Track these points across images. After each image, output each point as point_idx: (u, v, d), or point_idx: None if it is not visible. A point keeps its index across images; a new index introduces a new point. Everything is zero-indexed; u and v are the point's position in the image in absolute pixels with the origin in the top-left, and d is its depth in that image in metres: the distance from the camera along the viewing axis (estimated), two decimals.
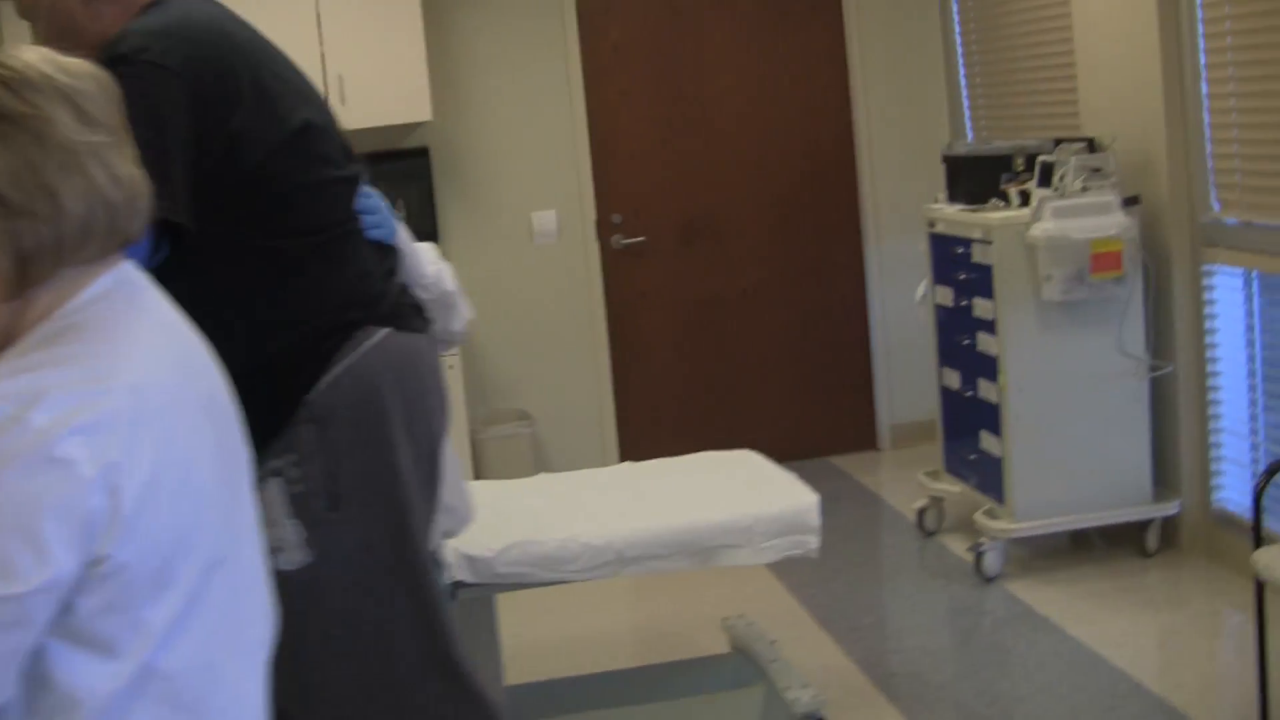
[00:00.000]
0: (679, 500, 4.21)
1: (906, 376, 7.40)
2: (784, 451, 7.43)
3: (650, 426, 7.46)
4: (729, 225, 7.41)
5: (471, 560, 3.98)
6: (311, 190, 2.74)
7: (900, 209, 7.20)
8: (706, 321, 7.45)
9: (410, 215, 6.97)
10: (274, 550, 2.59)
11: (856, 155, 7.44)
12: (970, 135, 7.25)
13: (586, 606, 5.66)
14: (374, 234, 2.89)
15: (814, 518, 4.02)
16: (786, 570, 5.66)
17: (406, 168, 7.05)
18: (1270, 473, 4.14)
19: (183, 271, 2.42)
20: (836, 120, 7.43)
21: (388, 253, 2.94)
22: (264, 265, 2.69)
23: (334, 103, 6.52)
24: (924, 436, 6.92)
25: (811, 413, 7.57)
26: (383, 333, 2.77)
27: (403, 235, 3.06)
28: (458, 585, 4.00)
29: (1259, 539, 4.04)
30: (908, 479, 6.46)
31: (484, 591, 4.07)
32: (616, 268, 7.36)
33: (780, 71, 7.37)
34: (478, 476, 6.91)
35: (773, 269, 7.46)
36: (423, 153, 7.07)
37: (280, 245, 2.70)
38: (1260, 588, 4.01)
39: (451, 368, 6.62)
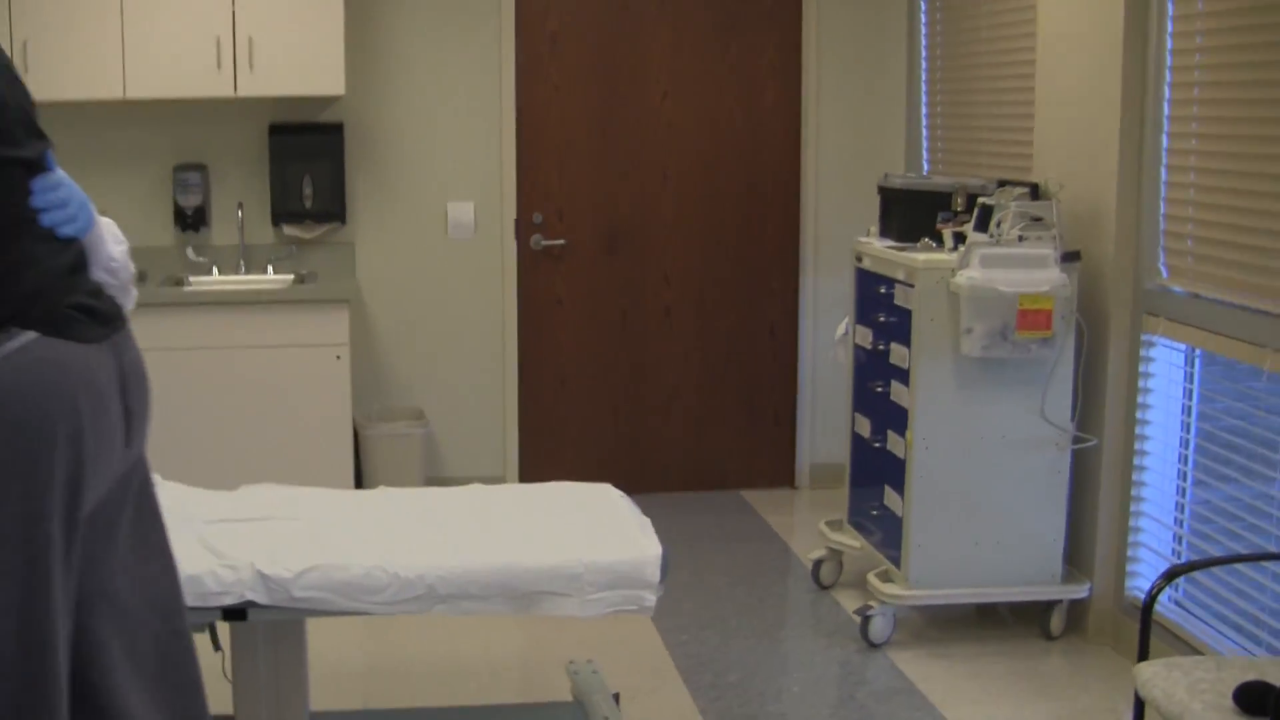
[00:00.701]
0: (514, 535, 3.80)
1: (833, 415, 6.98)
2: (695, 480, 7.13)
3: (555, 439, 7.06)
4: (656, 237, 7.01)
5: (266, 580, 3.58)
6: None
7: (843, 239, 6.75)
8: (624, 335, 7.05)
9: (318, 194, 6.59)
10: None
11: (801, 178, 7.03)
12: (926, 168, 6.83)
13: (433, 632, 5.23)
14: (65, 230, 2.47)
15: (653, 573, 3.62)
16: (660, 610, 5.23)
17: (317, 143, 6.63)
18: (1169, 577, 3.73)
19: None
20: (783, 139, 7.02)
21: (71, 248, 2.51)
22: None
23: (242, 68, 6.22)
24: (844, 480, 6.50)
25: (727, 443, 7.17)
26: (26, 337, 2.34)
27: (99, 223, 2.63)
28: (249, 606, 3.60)
29: (1145, 649, 3.62)
30: (818, 523, 6.02)
31: (280, 615, 3.65)
32: (533, 270, 6.95)
33: (727, 80, 6.96)
34: (360, 475, 6.51)
35: (699, 288, 7.06)
36: (337, 129, 6.65)
37: None
38: (1140, 704, 3.58)
39: (339, 358, 6.22)
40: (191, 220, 6.63)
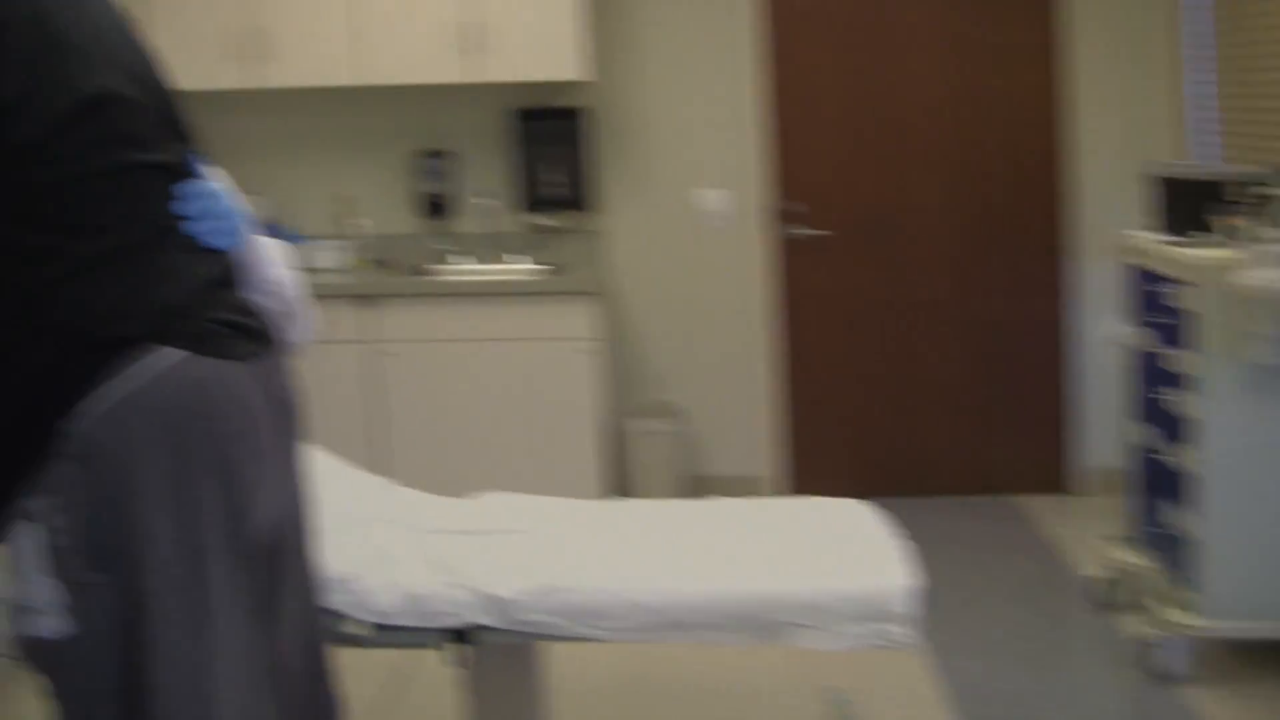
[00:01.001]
0: (755, 558, 3.52)
1: (1109, 417, 6.44)
2: (963, 484, 6.75)
3: (815, 437, 6.79)
4: (914, 228, 6.66)
5: (491, 601, 3.37)
6: (101, 178, 2.15)
7: (1110, 230, 6.19)
8: (883, 330, 6.72)
9: (566, 181, 6.42)
10: (28, 611, 2.09)
11: (1066, 163, 6.58)
12: (1207, 155, 6.29)
13: (684, 650, 4.94)
14: (212, 241, 2.28)
15: (902, 605, 3.29)
16: (924, 628, 4.87)
17: (563, 129, 6.48)
18: None
19: None
20: (1044, 121, 6.58)
21: (216, 259, 2.31)
22: (26, 266, 2.11)
23: (478, 53, 6.04)
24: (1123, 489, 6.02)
25: (995, 444, 6.77)
26: (175, 356, 2.15)
27: (255, 239, 2.41)
28: (473, 628, 3.38)
29: None
30: (1096, 536, 5.56)
31: (504, 638, 3.42)
32: (791, 260, 6.68)
33: (983, 61, 6.56)
34: (620, 474, 6.39)
35: (960, 281, 6.68)
36: (583, 114, 6.48)
37: (51, 243, 2.12)
38: None
39: (588, 353, 6.10)
40: (435, 207, 6.52)
